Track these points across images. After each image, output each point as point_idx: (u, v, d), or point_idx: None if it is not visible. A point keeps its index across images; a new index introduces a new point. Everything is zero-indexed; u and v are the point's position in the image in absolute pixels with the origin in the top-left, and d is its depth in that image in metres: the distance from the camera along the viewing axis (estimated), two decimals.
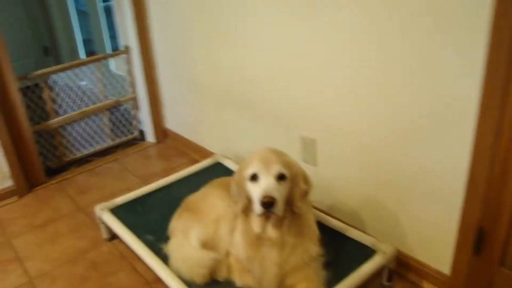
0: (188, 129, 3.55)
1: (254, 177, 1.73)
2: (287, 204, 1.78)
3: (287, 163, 1.77)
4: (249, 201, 1.79)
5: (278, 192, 1.69)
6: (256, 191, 1.71)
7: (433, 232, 2.06)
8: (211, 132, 3.27)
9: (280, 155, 1.78)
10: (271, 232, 1.80)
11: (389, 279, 2.14)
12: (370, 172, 2.22)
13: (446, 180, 1.91)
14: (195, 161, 3.00)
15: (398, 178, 2.10)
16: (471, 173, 1.80)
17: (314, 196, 2.12)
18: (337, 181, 2.41)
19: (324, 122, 2.33)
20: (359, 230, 2.26)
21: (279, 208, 1.69)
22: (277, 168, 1.71)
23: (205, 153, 3.23)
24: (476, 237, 1.88)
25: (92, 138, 3.66)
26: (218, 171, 2.78)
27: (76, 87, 3.55)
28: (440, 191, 1.95)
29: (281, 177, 1.72)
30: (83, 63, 3.47)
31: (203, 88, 3.13)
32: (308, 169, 1.89)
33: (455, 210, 1.92)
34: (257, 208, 1.69)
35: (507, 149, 1.67)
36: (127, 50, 3.52)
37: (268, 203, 1.65)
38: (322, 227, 2.10)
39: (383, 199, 2.21)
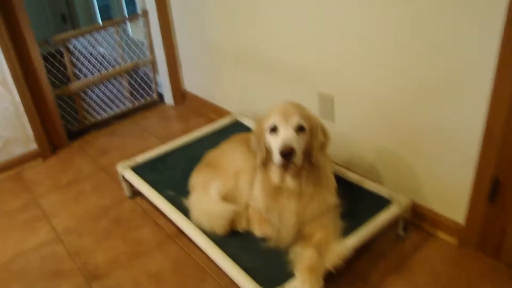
0: (206, 90, 3.59)
1: (274, 129, 1.78)
2: (306, 156, 1.83)
3: (306, 116, 1.80)
4: (268, 153, 1.84)
5: (297, 142, 1.73)
6: (275, 142, 1.75)
7: (449, 183, 2.09)
8: (229, 92, 3.31)
9: (299, 108, 1.81)
10: (290, 182, 1.85)
11: (405, 230, 2.19)
12: (387, 127, 2.24)
13: (463, 132, 1.93)
14: (214, 121, 3.04)
15: (414, 131, 2.12)
16: (487, 124, 1.81)
17: (332, 151, 2.15)
18: (354, 136, 2.44)
19: (342, 79, 2.35)
20: (376, 182, 2.30)
21: (298, 158, 1.73)
22: (296, 120, 1.75)
23: (224, 113, 3.27)
24: (491, 187, 1.91)
25: (112, 101, 3.72)
26: (237, 129, 2.82)
27: (95, 53, 3.59)
28: (456, 143, 1.97)
29: (300, 129, 1.76)
30: (102, 27, 3.52)
31: (221, 48, 3.16)
32: (326, 125, 1.91)
33: (470, 161, 1.94)
34: (277, 158, 1.74)
35: None
36: (144, 13, 3.54)
37: (287, 153, 1.69)
38: (340, 180, 2.14)
39: (400, 153, 2.24)
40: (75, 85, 3.42)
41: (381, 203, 2.12)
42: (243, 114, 3.02)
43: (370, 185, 2.25)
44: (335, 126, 2.48)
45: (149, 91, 3.89)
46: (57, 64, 3.40)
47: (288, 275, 1.77)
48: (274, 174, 1.86)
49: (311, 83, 2.52)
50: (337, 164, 2.47)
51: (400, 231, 2.19)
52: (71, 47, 3.39)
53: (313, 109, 2.19)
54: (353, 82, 2.29)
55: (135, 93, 3.82)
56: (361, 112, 2.33)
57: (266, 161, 1.87)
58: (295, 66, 2.59)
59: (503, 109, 1.74)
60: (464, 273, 2.00)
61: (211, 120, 3.29)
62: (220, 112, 3.38)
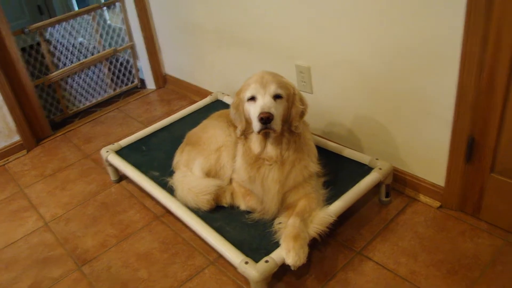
0: (186, 72, 3.59)
1: (252, 98, 1.82)
2: (285, 124, 1.86)
3: (283, 84, 1.84)
4: (248, 123, 1.87)
5: (275, 109, 1.77)
6: (254, 109, 1.79)
7: (427, 147, 2.12)
8: (210, 72, 3.32)
9: (276, 77, 1.85)
10: (271, 150, 1.88)
11: (387, 195, 2.22)
12: (365, 95, 2.26)
13: (438, 96, 1.96)
14: (196, 103, 3.05)
15: (392, 98, 2.15)
16: (460, 85, 1.84)
17: (312, 122, 2.18)
18: (333, 106, 2.46)
19: (318, 50, 2.36)
20: (356, 150, 2.33)
21: (276, 124, 1.76)
22: (273, 88, 1.79)
23: (206, 94, 3.27)
24: (468, 147, 1.95)
25: (94, 89, 3.71)
26: (218, 107, 2.83)
27: (74, 42, 3.56)
28: (433, 107, 2.00)
29: (277, 96, 1.80)
30: (78, 14, 3.49)
31: (200, 29, 3.15)
32: (305, 96, 1.94)
33: (447, 123, 1.97)
34: (256, 125, 1.77)
35: (493, 58, 1.71)
36: None
37: (265, 119, 1.72)
38: (320, 149, 2.18)
39: (378, 120, 2.27)
40: (54, 75, 3.40)
41: (362, 170, 2.16)
42: (224, 93, 3.03)
43: (351, 153, 2.28)
44: (314, 97, 2.50)
45: (131, 77, 3.88)
46: (35, 55, 3.37)
47: (274, 245, 1.81)
48: (255, 143, 1.90)
49: (289, 56, 2.53)
50: (317, 135, 2.50)
51: (383, 197, 2.23)
52: (48, 36, 3.37)
53: (292, 81, 2.22)
54: (330, 53, 2.30)
55: (116, 79, 3.80)
56: (339, 82, 2.35)
57: (246, 131, 1.90)
58: (272, 41, 2.60)
59: (473, 71, 1.77)
60: (446, 233, 2.05)
61: (193, 102, 3.29)
62: (202, 93, 3.38)
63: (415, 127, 2.12)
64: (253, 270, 1.68)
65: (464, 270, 1.85)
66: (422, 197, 2.24)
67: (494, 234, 2.00)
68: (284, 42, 2.52)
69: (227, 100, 2.95)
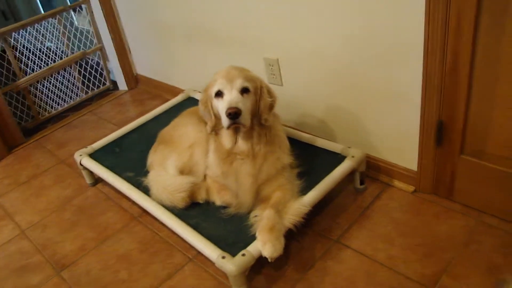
0: (158, 71, 3.58)
1: (219, 94, 1.82)
2: (255, 118, 1.87)
3: (250, 77, 1.85)
4: (217, 119, 1.87)
5: (243, 103, 1.77)
6: (222, 105, 1.79)
7: (398, 133, 2.15)
8: (181, 70, 3.31)
9: (242, 71, 1.86)
10: (242, 145, 1.89)
11: (362, 183, 2.25)
12: (334, 85, 2.27)
13: (405, 82, 1.98)
14: (168, 101, 3.04)
15: (360, 87, 2.17)
16: (425, 70, 1.86)
17: (283, 114, 2.19)
18: (303, 97, 2.47)
19: (285, 42, 2.37)
20: (329, 140, 2.34)
21: (245, 119, 1.77)
22: (240, 82, 1.79)
23: (178, 92, 3.26)
24: (437, 130, 1.97)
25: (65, 94, 3.67)
26: (190, 105, 2.80)
27: (41, 47, 3.52)
28: (401, 93, 2.03)
29: (244, 90, 1.80)
30: (43, 18, 3.44)
31: (167, 27, 3.14)
32: (274, 89, 1.95)
33: (416, 108, 1.99)
34: (225, 120, 1.77)
35: (455, 42, 1.73)
36: (86, 0, 3.48)
37: (233, 114, 1.73)
38: (293, 141, 2.19)
39: (349, 109, 2.28)
40: (23, 81, 3.35)
41: (335, 158, 2.17)
42: (195, 90, 3.02)
43: (323, 143, 2.29)
44: (283, 89, 2.51)
45: (102, 79, 3.85)
46: (1, 62, 3.32)
47: (251, 238, 1.81)
48: (226, 139, 1.90)
49: (258, 50, 2.54)
50: (289, 126, 2.51)
51: (358, 185, 2.25)
52: (13, 42, 3.32)
53: (261, 75, 2.22)
54: (298, 45, 2.31)
55: (87, 82, 3.77)
56: (308, 73, 2.36)
57: (216, 127, 1.90)
58: (241, 35, 2.60)
59: (437, 55, 1.79)
60: (421, 216, 2.08)
61: (166, 101, 3.28)
62: (174, 92, 3.36)
63: (385, 113, 2.14)
64: (230, 264, 1.69)
65: (439, 252, 1.88)
66: (396, 183, 2.27)
67: (467, 215, 2.03)
68: (252, 36, 2.53)
69: (199, 96, 2.92)
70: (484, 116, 1.83)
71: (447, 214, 2.05)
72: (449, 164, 2.03)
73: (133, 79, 3.81)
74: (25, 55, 3.41)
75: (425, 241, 1.94)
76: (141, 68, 3.74)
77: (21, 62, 3.39)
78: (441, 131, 1.96)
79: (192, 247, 1.97)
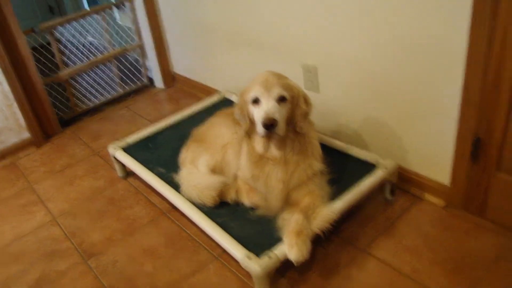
0: (195, 71, 3.62)
1: (256, 101, 1.81)
2: (289, 125, 1.86)
3: (287, 86, 1.83)
4: (252, 124, 1.88)
5: (279, 113, 1.76)
6: (258, 113, 1.79)
7: (433, 146, 2.12)
8: (218, 71, 3.34)
9: (280, 78, 1.84)
10: (274, 151, 1.89)
11: (392, 193, 2.23)
12: (371, 94, 2.27)
13: (443, 95, 1.96)
14: (203, 100, 3.07)
15: (397, 98, 2.15)
16: (465, 84, 1.84)
17: (318, 122, 2.19)
18: (339, 105, 2.47)
19: (325, 49, 2.37)
20: (362, 149, 2.33)
21: (280, 129, 1.77)
22: (277, 91, 1.78)
23: (213, 93, 3.30)
24: (473, 146, 1.94)
25: (104, 88, 3.74)
26: (224, 106, 2.84)
27: (84, 41, 3.61)
28: (438, 105, 2.00)
29: (281, 99, 1.79)
30: (87, 14, 3.53)
31: (208, 29, 3.17)
32: (311, 96, 1.95)
33: (453, 122, 1.97)
34: (260, 129, 1.77)
35: (499, 57, 1.71)
36: None
37: (269, 125, 1.73)
38: (326, 148, 2.19)
39: (384, 119, 2.27)
40: (64, 73, 3.44)
41: (367, 168, 2.16)
42: (230, 92, 3.04)
43: (356, 152, 2.28)
44: (320, 97, 2.51)
45: (139, 76, 3.92)
46: (45, 54, 3.42)
47: (278, 240, 1.81)
48: (259, 143, 1.90)
49: (296, 56, 2.54)
50: (323, 133, 2.50)
51: (388, 195, 2.23)
52: (58, 35, 3.41)
53: (298, 81, 2.24)
54: (336, 52, 2.31)
55: (125, 78, 3.83)
56: (345, 82, 2.36)
57: (250, 131, 1.91)
58: (280, 41, 2.61)
59: (479, 69, 1.77)
60: (451, 232, 2.04)
61: (201, 101, 3.32)
62: (209, 92, 3.40)
63: (421, 126, 2.12)
64: (255, 265, 1.69)
65: (468, 269, 1.85)
66: (427, 196, 2.24)
67: (499, 233, 1.99)
68: (292, 42, 2.54)
69: (234, 98, 2.96)
70: None
71: (478, 231, 2.02)
72: (484, 180, 2.00)
73: (170, 77, 3.86)
74: (68, 48, 3.49)
75: (454, 257, 1.92)
76: (179, 67, 3.78)
77: (63, 55, 3.47)
78: (478, 147, 1.93)
79: (218, 246, 1.99)
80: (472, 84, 1.82)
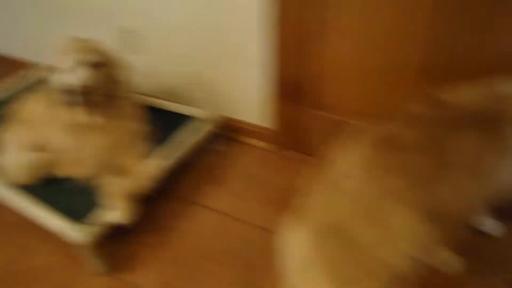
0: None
1: (67, 68, 1.70)
2: (106, 90, 1.79)
3: (100, 51, 1.77)
4: (68, 93, 1.76)
5: (94, 79, 1.70)
6: (72, 81, 1.69)
7: (255, 94, 2.18)
8: (27, 41, 3.08)
9: (92, 44, 1.77)
10: (93, 118, 1.80)
11: (223, 144, 2.27)
12: (191, 51, 2.26)
13: (253, 44, 2.02)
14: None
15: (216, 51, 2.17)
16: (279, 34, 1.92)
17: (140, 84, 2.13)
18: (160, 65, 2.42)
19: (141, 12, 2.31)
20: (187, 105, 2.31)
21: (96, 94, 1.71)
22: (90, 57, 1.71)
23: (22, 65, 3.03)
24: (291, 90, 2.04)
25: None
26: (37, 81, 2.64)
27: None
28: (250, 55, 2.06)
29: (95, 65, 1.72)
30: None
31: None
32: (130, 58, 1.93)
33: (267, 68, 2.04)
34: (76, 97, 1.70)
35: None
36: None
37: (85, 91, 1.67)
38: (148, 108, 2.13)
39: (205, 74, 2.29)
40: None
41: (192, 122, 2.15)
42: (45, 66, 2.81)
43: (179, 107, 2.26)
44: (139, 58, 2.43)
45: None
46: None
47: (105, 206, 1.73)
48: (77, 112, 1.79)
49: (113, 20, 2.43)
50: (146, 95, 2.44)
51: (218, 146, 2.25)
52: None
53: (115, 45, 2.15)
54: (154, 15, 2.26)
55: None
56: (164, 42, 2.32)
57: (67, 100, 1.79)
58: (95, 4, 2.48)
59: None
60: (280, 172, 2.15)
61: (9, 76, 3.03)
62: (16, 64, 3.13)
63: (241, 77, 2.17)
64: (79, 233, 1.60)
65: (281, 198, 1.96)
66: (256, 142, 2.32)
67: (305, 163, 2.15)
68: (108, 5, 2.42)
69: (47, 73, 2.74)
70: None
71: (304, 167, 2.11)
72: (304, 120, 2.12)
73: None
74: None
75: (284, 194, 1.98)
76: None
77: None
78: (295, 90, 2.04)
79: (43, 226, 1.84)
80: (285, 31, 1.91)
